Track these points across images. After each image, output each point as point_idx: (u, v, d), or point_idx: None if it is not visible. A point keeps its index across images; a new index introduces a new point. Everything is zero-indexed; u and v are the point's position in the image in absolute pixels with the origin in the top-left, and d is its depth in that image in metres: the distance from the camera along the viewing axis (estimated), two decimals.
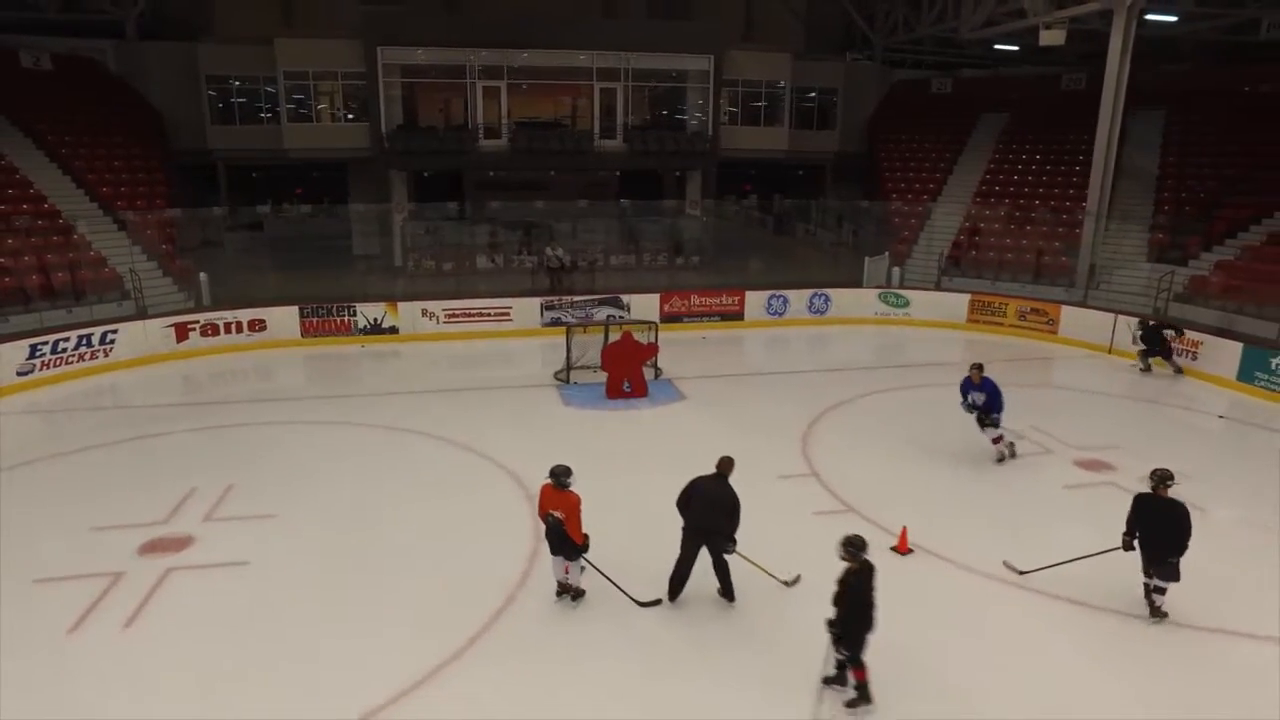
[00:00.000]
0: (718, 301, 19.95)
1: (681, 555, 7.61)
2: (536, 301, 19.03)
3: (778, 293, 20.07)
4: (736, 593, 7.73)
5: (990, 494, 10.41)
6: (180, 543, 8.82)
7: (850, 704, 6.29)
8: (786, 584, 7.89)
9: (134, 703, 6.37)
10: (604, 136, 25.40)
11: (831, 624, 6.19)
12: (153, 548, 8.69)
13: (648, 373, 15.24)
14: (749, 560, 7.68)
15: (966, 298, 19.88)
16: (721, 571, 7.64)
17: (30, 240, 18.43)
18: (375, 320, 18.15)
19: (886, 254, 21.98)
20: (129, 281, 18.29)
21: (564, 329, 16.09)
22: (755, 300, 20.02)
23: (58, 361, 15.06)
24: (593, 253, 24.74)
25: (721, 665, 6.91)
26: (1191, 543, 7.22)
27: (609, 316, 18.45)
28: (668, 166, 27.23)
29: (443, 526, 9.36)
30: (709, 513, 7.41)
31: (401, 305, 18.33)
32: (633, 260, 25.29)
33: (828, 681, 6.50)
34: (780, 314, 20.11)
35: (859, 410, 13.88)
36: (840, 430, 12.81)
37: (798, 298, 20.09)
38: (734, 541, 7.45)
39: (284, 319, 17.62)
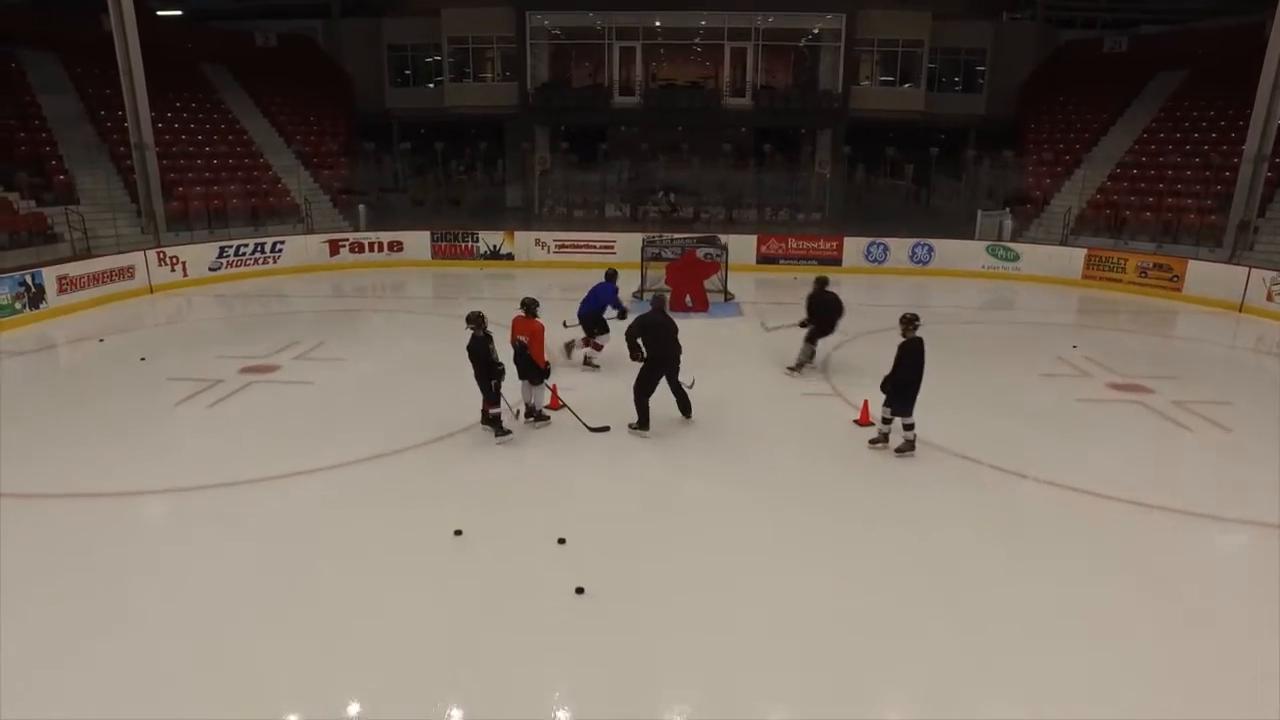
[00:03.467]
0: (815, 246, 20.24)
1: (644, 385, 8.68)
2: (639, 237, 20.31)
3: (878, 240, 20.00)
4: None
5: (990, 399, 10.40)
6: (268, 368, 11.22)
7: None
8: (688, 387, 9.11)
9: (199, 441, 8.68)
10: (733, 95, 26.19)
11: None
12: (248, 369, 11.12)
13: (718, 297, 16.14)
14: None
15: (1082, 253, 18.75)
16: (680, 394, 8.89)
17: (237, 174, 22.60)
18: (494, 247, 20.38)
19: (1007, 210, 21.09)
20: (304, 210, 21.88)
21: (659, 262, 17.20)
22: (854, 247, 20.08)
23: (238, 263, 18.55)
24: (715, 206, 25.76)
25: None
26: None
27: (707, 254, 19.37)
28: (795, 124, 27.47)
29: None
30: (669, 342, 8.66)
31: (518, 234, 20.44)
32: (754, 215, 25.91)
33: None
34: (880, 261, 20.03)
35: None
36: (878, 344, 12.98)
37: (899, 246, 19.90)
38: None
39: (418, 241, 20.33)
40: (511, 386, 8.74)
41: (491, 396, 8.45)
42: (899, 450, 8.34)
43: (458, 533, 6.50)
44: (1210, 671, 5.07)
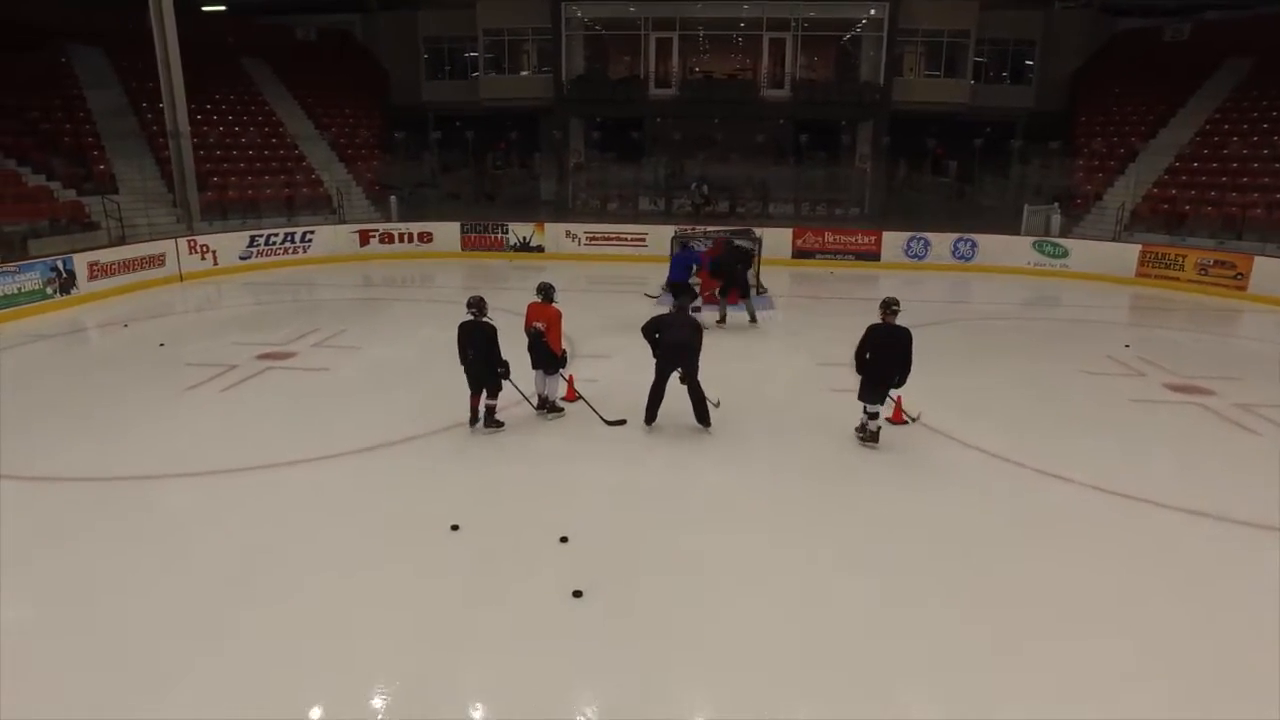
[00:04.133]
0: (853, 240, 19.60)
1: (656, 380, 8.20)
2: (670, 229, 19.89)
3: (918, 235, 19.28)
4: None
5: (1033, 398, 9.74)
6: (285, 355, 11.05)
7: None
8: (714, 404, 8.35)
9: (203, 426, 8.45)
10: (772, 87, 25.61)
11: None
12: (265, 355, 10.96)
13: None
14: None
15: (1136, 249, 17.79)
16: (696, 397, 8.20)
17: (271, 165, 22.75)
18: (524, 239, 20.13)
19: (1055, 204, 20.19)
20: (336, 201, 21.89)
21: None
22: (893, 241, 19.40)
23: (269, 252, 18.56)
24: (751, 200, 25.25)
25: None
26: None
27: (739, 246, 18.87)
28: (835, 117, 26.73)
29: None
30: (682, 330, 8.02)
31: (548, 226, 20.16)
32: (791, 210, 25.29)
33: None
34: (920, 257, 19.31)
35: (946, 330, 13.31)
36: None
37: (940, 241, 19.16)
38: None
39: (448, 233, 20.17)
40: (523, 378, 8.40)
41: (489, 388, 7.98)
42: (862, 439, 8.01)
43: (455, 528, 6.15)
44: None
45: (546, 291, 8.39)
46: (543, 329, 8.23)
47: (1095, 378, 10.51)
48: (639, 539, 6.11)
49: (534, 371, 8.52)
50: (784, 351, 11.86)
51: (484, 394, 8.03)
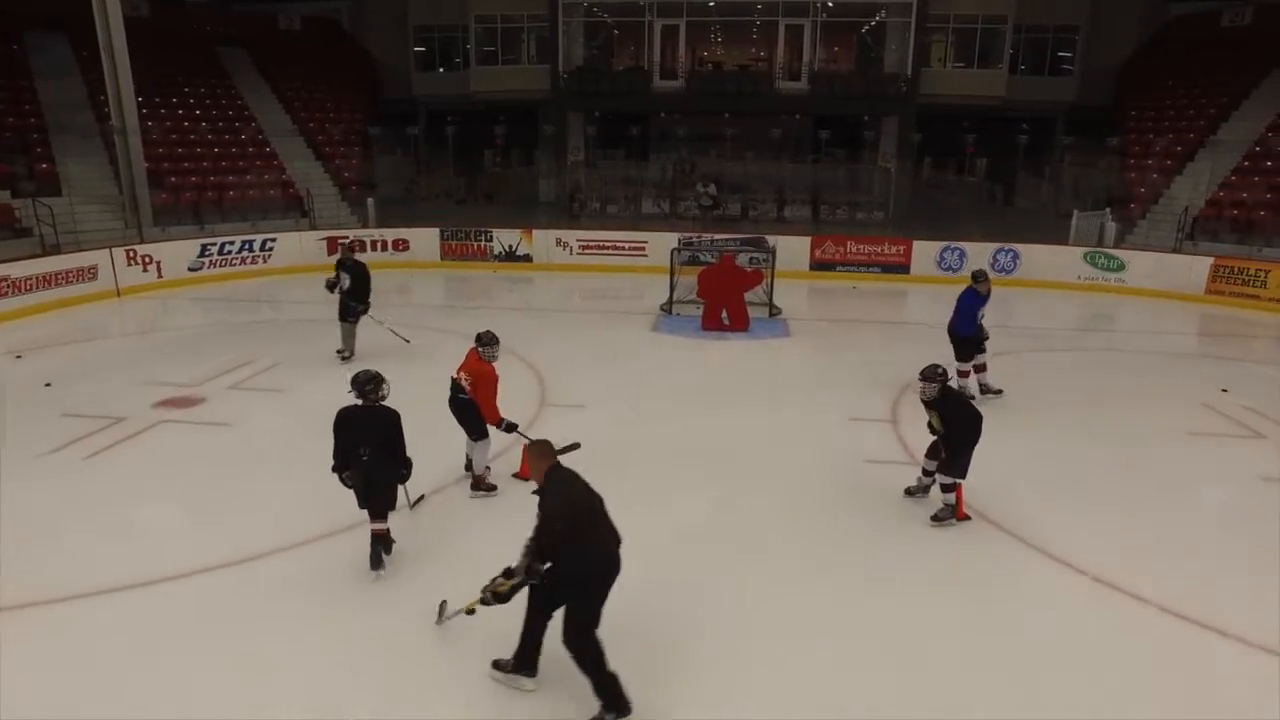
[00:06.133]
0: (878, 250, 17.40)
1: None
2: (673, 237, 17.77)
3: (952, 245, 17.07)
4: None
5: (1126, 472, 7.53)
6: (189, 402, 8.98)
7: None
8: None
9: (27, 515, 6.41)
10: (788, 78, 23.42)
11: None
12: (166, 403, 8.90)
13: (762, 311, 13.56)
14: None
15: (1207, 262, 15.49)
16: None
17: (238, 164, 20.79)
18: (510, 247, 18.06)
19: (1107, 210, 17.93)
20: (307, 202, 19.89)
21: (691, 264, 14.69)
22: (924, 252, 17.20)
23: (223, 263, 16.58)
24: (765, 202, 23.20)
25: None
26: None
27: (751, 259, 16.77)
28: (857, 111, 24.53)
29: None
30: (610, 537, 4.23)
31: (536, 233, 18.10)
32: (808, 212, 23.14)
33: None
34: (955, 270, 17.03)
35: (1002, 368, 11.11)
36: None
37: (977, 252, 16.89)
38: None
39: (426, 240, 18.13)
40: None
41: (381, 502, 5.42)
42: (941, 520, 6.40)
43: None
44: None
45: (483, 344, 6.38)
46: (466, 383, 6.17)
47: (1200, 441, 8.31)
48: None
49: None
50: (804, 401, 9.60)
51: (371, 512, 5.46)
